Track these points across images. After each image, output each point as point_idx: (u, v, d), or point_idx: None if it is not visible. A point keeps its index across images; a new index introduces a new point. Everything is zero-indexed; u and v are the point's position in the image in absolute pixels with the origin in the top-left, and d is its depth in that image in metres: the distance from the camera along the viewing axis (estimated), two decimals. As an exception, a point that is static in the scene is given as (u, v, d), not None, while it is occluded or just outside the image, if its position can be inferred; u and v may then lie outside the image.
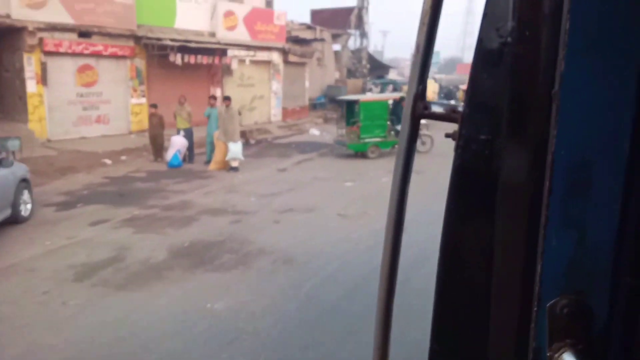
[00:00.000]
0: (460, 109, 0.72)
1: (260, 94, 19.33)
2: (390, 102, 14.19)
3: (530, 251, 0.59)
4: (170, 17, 15.62)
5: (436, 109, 0.78)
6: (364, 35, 29.12)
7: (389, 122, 13.57)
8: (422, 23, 0.74)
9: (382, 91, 24.13)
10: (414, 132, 0.78)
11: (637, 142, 0.53)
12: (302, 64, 21.85)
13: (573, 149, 0.55)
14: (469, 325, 0.71)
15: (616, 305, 0.56)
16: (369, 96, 14.51)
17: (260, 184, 10.08)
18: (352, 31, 28.42)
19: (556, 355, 0.55)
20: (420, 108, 0.76)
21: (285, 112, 20.56)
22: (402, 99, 14.07)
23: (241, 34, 17.71)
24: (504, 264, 0.65)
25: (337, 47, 27.35)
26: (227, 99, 11.29)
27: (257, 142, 16.13)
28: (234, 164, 11.18)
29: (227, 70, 17.36)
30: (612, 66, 0.54)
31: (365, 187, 9.80)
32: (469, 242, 0.70)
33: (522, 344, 0.60)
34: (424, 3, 0.72)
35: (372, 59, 30.76)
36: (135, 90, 14.86)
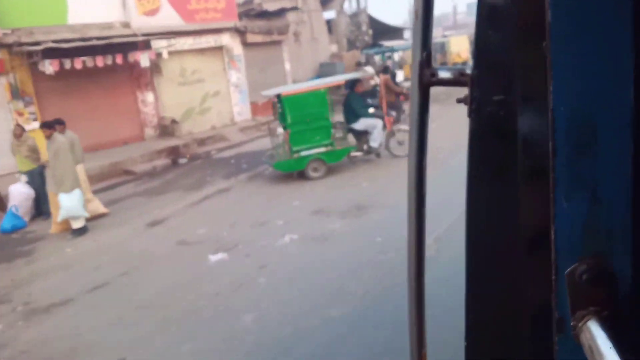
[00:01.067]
0: (468, 71, 0.69)
1: (214, 90, 15.24)
2: (341, 90, 9.55)
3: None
4: (59, 12, 11.86)
5: (443, 74, 0.72)
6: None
7: (337, 122, 9.02)
8: None
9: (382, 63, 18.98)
10: (424, 103, 0.72)
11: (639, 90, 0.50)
12: (276, 43, 17.39)
13: (573, 104, 0.51)
14: (504, 295, 0.68)
15: None
16: (294, 87, 9.88)
17: (81, 266, 6.13)
18: (345, -9, 23.04)
19: (580, 324, 0.52)
20: (427, 76, 0.72)
21: (256, 108, 16.33)
22: (355, 83, 9.30)
23: (169, 18, 13.63)
24: (530, 227, 0.62)
25: (330, 14, 22.07)
26: (46, 126, 7.27)
27: (190, 159, 12.15)
28: (76, 224, 7.28)
29: (156, 68, 13.44)
30: (604, 8, 0.49)
31: (239, 263, 5.55)
32: (494, 206, 0.69)
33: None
34: None
35: (375, 23, 24.47)
36: (21, 115, 11.39)
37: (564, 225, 0.53)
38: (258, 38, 16.23)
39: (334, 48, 21.46)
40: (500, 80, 0.64)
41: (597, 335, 0.48)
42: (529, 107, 0.60)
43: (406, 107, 10.85)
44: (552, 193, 0.53)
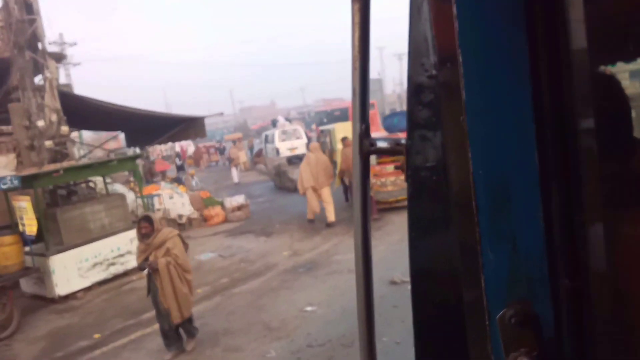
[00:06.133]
0: (403, 141, 0.77)
1: None
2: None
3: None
4: None
5: (381, 144, 0.83)
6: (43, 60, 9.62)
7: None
8: (354, 68, 0.80)
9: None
10: (365, 169, 0.82)
11: (543, 154, 0.57)
12: None
13: (489, 168, 0.59)
14: (447, 339, 0.74)
15: (560, 308, 0.58)
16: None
17: None
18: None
19: None
20: (366, 145, 0.80)
21: None
22: None
23: None
24: (465, 279, 0.67)
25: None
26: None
27: None
28: None
29: None
30: (506, 89, 0.58)
31: None
32: (432, 261, 0.76)
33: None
34: (352, 49, 0.79)
35: (83, 108, 11.26)
36: None
37: (491, 275, 0.59)
38: None
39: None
40: (431, 149, 0.72)
41: None
42: (454, 172, 0.67)
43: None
44: (479, 246, 0.60)
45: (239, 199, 12.64)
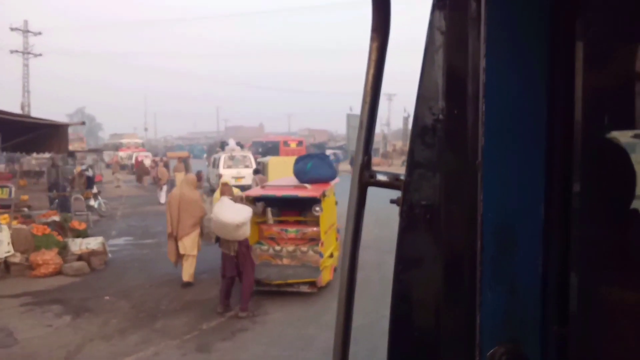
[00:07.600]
0: (402, 177, 0.80)
1: None
2: None
3: (470, 304, 0.65)
4: None
5: (381, 177, 0.85)
6: None
7: None
8: (364, 102, 0.83)
9: None
10: (361, 199, 0.84)
11: (550, 206, 0.64)
12: None
13: (498, 212, 0.64)
14: None
15: (547, 352, 0.62)
16: None
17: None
18: None
19: None
20: (366, 176, 0.84)
21: None
22: None
23: None
24: (449, 317, 0.71)
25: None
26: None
27: None
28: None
29: None
30: (523, 143, 0.64)
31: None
32: (416, 295, 0.78)
33: None
34: (365, 84, 0.83)
35: None
36: None
37: (487, 313, 0.63)
38: None
39: None
40: (428, 188, 0.75)
41: None
42: (450, 212, 0.72)
43: None
44: (479, 284, 0.63)
45: (94, 243, 9.13)
